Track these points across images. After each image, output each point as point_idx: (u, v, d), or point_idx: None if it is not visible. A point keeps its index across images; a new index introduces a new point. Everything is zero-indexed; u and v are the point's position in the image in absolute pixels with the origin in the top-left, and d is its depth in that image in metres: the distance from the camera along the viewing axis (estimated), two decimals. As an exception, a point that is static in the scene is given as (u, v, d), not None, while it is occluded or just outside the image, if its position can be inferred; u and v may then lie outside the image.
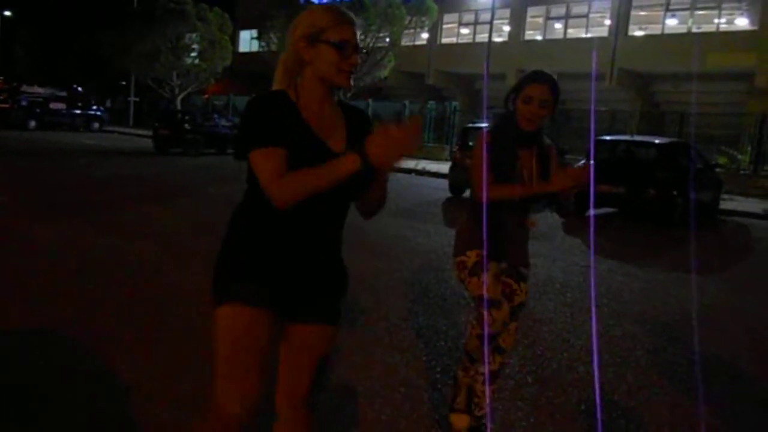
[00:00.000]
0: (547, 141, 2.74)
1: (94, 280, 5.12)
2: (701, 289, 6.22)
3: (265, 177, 1.66)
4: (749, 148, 17.99)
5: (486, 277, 2.59)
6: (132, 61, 28.85)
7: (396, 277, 5.85)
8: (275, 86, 1.81)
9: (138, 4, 31.60)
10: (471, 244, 2.65)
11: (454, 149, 15.77)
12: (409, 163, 19.28)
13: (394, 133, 1.56)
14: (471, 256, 2.64)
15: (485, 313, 2.60)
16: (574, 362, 3.97)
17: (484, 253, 2.58)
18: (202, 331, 3.80)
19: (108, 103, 37.56)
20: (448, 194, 13.07)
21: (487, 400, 2.74)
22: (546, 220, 9.99)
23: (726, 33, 23.31)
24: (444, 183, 13.98)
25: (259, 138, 1.69)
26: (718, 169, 13.36)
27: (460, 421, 2.82)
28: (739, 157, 18.17)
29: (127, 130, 31.37)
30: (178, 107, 29.34)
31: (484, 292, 2.58)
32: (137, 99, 36.60)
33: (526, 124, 2.54)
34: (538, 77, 2.53)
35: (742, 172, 17.56)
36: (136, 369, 3.40)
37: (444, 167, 18.23)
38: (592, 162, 2.59)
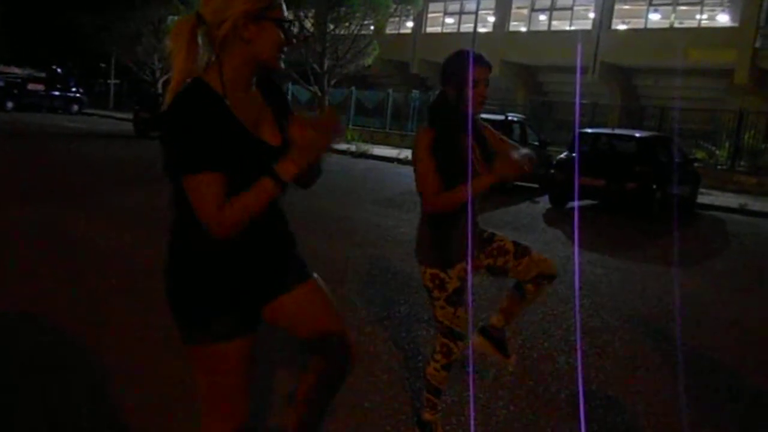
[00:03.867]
0: (479, 120, 2.63)
1: (74, 262, 5.07)
2: (679, 281, 6.33)
3: (204, 209, 1.50)
4: (727, 144, 18.25)
5: (461, 312, 2.55)
6: (113, 42, 28.40)
7: (378, 266, 5.87)
8: (182, 67, 1.55)
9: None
10: (446, 255, 2.52)
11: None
12: (392, 152, 19.27)
13: (311, 134, 1.48)
14: (452, 278, 2.52)
15: (449, 342, 2.59)
16: (553, 352, 4.03)
17: (469, 285, 2.53)
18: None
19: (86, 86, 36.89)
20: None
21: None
22: (528, 212, 10.09)
23: (707, 29, 23.55)
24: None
25: (194, 161, 1.49)
26: (696, 164, 13.55)
27: None
28: (717, 152, 18.42)
29: (108, 113, 30.89)
30: (159, 91, 28.97)
31: (455, 326, 2.57)
32: (117, 81, 36.01)
33: (478, 107, 2.47)
34: (481, 60, 2.45)
35: (719, 167, 17.82)
36: (117, 351, 3.38)
37: (427, 157, 18.22)
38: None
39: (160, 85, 29.84)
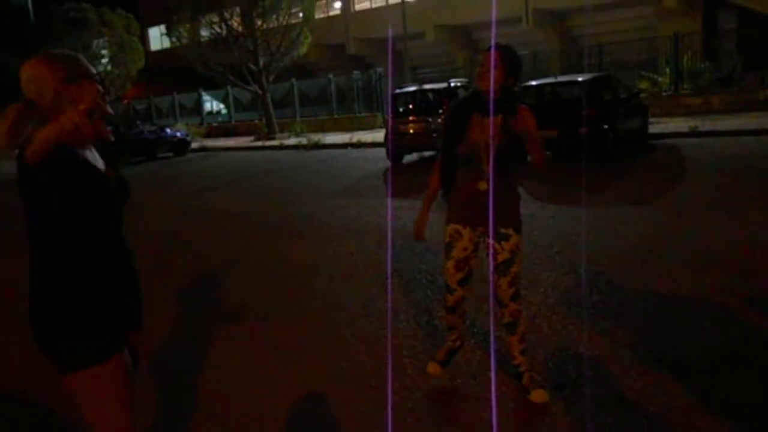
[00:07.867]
0: (519, 104, 2.88)
1: None
2: (645, 219, 6.38)
3: None
4: (667, 70, 18.48)
5: (449, 265, 3.02)
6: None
7: (349, 262, 5.78)
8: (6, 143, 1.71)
9: (35, 18, 29.69)
10: (449, 216, 3.01)
11: (387, 116, 15.66)
12: (343, 138, 19.06)
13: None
14: (447, 233, 3.01)
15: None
16: (535, 319, 4.00)
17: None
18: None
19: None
20: (388, 163, 12.98)
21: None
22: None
23: (631, -43, 23.72)
24: (381, 152, 13.88)
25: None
26: (641, 95, 13.65)
27: (432, 368, 3.26)
28: (659, 79, 18.65)
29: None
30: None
31: (445, 276, 3.09)
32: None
33: (477, 83, 2.85)
34: (488, 48, 2.89)
35: (664, 93, 18.07)
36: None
37: (378, 135, 18.11)
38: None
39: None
